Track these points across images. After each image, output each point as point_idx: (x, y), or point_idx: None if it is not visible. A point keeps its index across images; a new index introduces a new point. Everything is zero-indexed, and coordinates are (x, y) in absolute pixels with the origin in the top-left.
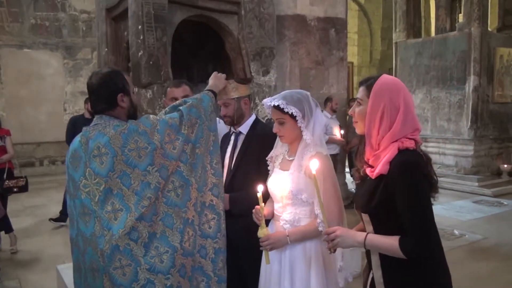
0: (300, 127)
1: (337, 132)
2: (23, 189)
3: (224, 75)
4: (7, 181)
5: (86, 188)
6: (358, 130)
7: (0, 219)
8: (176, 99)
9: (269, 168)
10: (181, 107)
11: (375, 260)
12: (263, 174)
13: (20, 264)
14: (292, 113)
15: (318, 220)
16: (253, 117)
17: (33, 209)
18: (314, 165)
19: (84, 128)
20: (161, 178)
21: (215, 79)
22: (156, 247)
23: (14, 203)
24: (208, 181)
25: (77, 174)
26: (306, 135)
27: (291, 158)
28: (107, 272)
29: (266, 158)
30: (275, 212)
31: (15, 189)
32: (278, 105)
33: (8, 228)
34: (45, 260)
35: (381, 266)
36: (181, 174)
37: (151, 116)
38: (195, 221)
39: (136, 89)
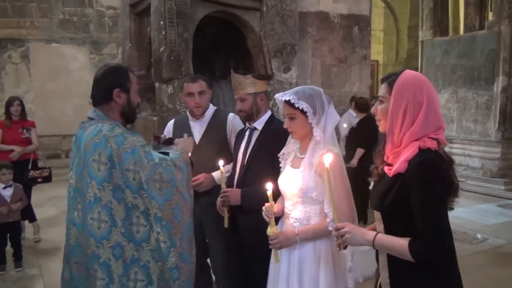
0: (311, 123)
1: None
2: (47, 179)
3: (191, 139)
4: (32, 171)
5: (71, 179)
6: (381, 128)
7: (24, 208)
8: (192, 94)
9: (281, 165)
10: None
11: (382, 260)
12: (276, 171)
13: (41, 252)
14: (302, 108)
15: (328, 219)
16: (268, 113)
17: (57, 199)
18: (328, 159)
19: (80, 125)
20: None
21: (184, 143)
22: (136, 273)
23: (39, 194)
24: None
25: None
26: (316, 132)
27: (302, 156)
28: (69, 262)
29: (278, 155)
30: (285, 209)
31: (39, 180)
32: (289, 100)
33: (31, 218)
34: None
35: (388, 267)
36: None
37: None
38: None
39: (157, 84)
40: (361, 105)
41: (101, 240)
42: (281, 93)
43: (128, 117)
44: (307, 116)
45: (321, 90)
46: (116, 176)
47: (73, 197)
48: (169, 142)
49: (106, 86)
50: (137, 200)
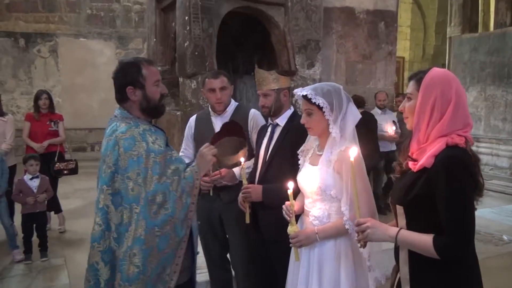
0: (328, 120)
1: (389, 129)
2: (73, 171)
3: (210, 157)
4: (58, 163)
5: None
6: (408, 126)
7: (50, 199)
8: (213, 90)
9: (299, 162)
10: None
11: (403, 256)
12: (298, 167)
13: (66, 243)
14: (319, 104)
15: (345, 218)
16: (291, 110)
17: (83, 191)
18: (353, 152)
19: (109, 121)
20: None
21: (201, 159)
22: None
23: (65, 186)
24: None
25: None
26: (333, 129)
27: (320, 153)
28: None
29: (298, 152)
30: (304, 207)
31: (65, 172)
32: (306, 95)
33: (57, 209)
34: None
35: (408, 263)
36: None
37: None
38: None
39: (181, 79)
40: (355, 101)
41: (93, 242)
42: (299, 88)
43: (150, 113)
44: (324, 112)
45: (341, 87)
46: (117, 181)
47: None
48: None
49: (119, 86)
50: (126, 211)
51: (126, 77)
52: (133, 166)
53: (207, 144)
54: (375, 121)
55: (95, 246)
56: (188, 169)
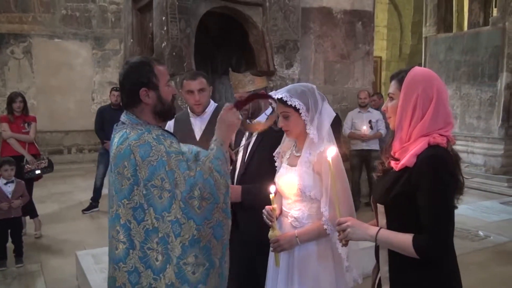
0: (304, 120)
1: (363, 128)
2: (47, 170)
3: (235, 120)
4: (27, 165)
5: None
6: (391, 125)
7: (25, 204)
8: (192, 92)
9: (276, 164)
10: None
11: (383, 256)
12: (276, 169)
13: (42, 248)
14: (295, 105)
15: (324, 219)
16: (269, 111)
17: (59, 195)
18: (331, 152)
19: (115, 128)
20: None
21: (221, 126)
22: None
23: (41, 189)
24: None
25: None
26: (310, 130)
27: (298, 154)
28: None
29: (274, 154)
30: (283, 208)
31: (37, 172)
32: (281, 98)
33: (33, 213)
34: (66, 246)
35: (388, 262)
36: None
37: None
38: None
39: (172, 82)
40: None
41: (118, 262)
42: (273, 91)
43: (163, 116)
44: (301, 114)
45: (314, 86)
46: (138, 193)
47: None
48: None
49: (131, 88)
50: (158, 223)
51: (139, 78)
52: (155, 173)
53: (227, 105)
54: (340, 120)
55: (121, 267)
56: (212, 145)
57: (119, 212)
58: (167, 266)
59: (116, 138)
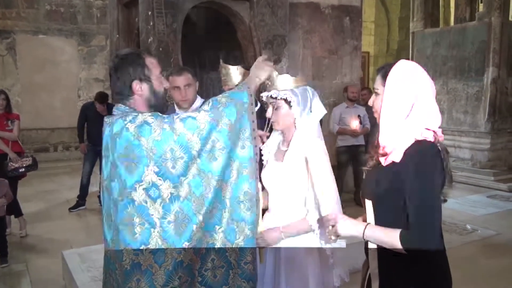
0: (293, 114)
1: (353, 123)
2: (31, 168)
3: (267, 63)
4: (10, 163)
5: (104, 181)
6: (378, 120)
7: (10, 203)
8: (178, 87)
9: (263, 158)
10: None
11: (372, 251)
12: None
13: (28, 248)
14: (286, 98)
15: (309, 214)
16: (258, 105)
17: (45, 194)
18: (318, 147)
19: (106, 121)
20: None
21: (256, 70)
22: (177, 213)
23: (26, 188)
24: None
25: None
26: (299, 124)
27: (284, 149)
28: (116, 226)
29: (260, 148)
30: (269, 204)
31: (21, 169)
32: (271, 95)
33: (17, 212)
34: (53, 245)
35: (377, 257)
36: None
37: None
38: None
39: (164, 74)
40: (100, 97)
41: (140, 245)
42: (265, 92)
43: (156, 108)
44: (291, 107)
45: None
46: (149, 173)
47: (105, 200)
48: None
49: (123, 82)
50: (177, 190)
51: (131, 69)
52: (162, 146)
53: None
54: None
55: (144, 249)
56: (234, 88)
57: (132, 197)
58: (193, 227)
59: (109, 127)
